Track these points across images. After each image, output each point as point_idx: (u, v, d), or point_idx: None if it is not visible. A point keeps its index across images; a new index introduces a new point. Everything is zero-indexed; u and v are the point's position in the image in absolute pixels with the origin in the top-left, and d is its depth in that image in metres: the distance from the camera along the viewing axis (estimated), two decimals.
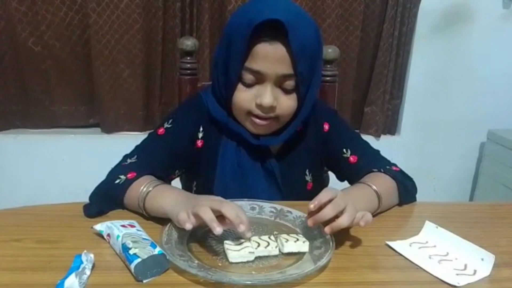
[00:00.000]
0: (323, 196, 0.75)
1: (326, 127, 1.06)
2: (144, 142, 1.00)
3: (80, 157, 1.98)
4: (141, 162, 0.92)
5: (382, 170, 0.97)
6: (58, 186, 1.95)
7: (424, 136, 2.32)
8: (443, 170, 2.39)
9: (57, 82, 1.94)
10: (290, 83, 0.89)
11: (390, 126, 2.30)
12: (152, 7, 1.88)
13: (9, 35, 1.83)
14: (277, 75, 0.87)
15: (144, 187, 0.83)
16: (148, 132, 1.05)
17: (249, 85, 0.90)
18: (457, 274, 0.70)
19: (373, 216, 0.88)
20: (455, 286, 0.67)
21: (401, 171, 1.01)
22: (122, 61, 1.91)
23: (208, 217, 0.69)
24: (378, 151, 1.08)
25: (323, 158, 1.08)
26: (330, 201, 0.75)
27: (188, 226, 0.70)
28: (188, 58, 1.19)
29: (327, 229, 0.74)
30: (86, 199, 0.88)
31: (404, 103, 2.27)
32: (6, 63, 1.86)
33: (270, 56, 0.86)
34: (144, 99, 2.00)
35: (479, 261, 0.73)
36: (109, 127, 2.01)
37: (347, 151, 1.03)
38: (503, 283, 0.70)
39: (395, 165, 1.03)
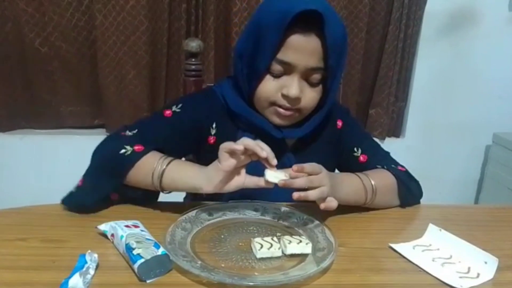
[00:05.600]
0: (307, 166, 0.78)
1: (339, 124, 1.06)
2: (147, 119, 0.98)
3: (85, 157, 1.98)
4: (144, 137, 0.91)
5: (385, 167, 0.98)
6: (63, 186, 1.95)
7: (429, 138, 2.32)
8: (448, 173, 2.38)
9: (63, 83, 1.96)
10: (316, 77, 0.90)
11: (395, 129, 2.30)
12: (158, 9, 1.89)
13: (16, 36, 1.84)
14: (306, 67, 0.87)
15: (158, 164, 0.83)
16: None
17: (277, 76, 0.90)
18: (460, 277, 0.70)
19: (368, 210, 0.93)
20: None
21: (406, 172, 1.01)
22: (127, 62, 1.92)
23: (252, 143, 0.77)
24: (388, 153, 1.08)
25: (335, 155, 1.07)
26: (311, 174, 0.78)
27: (239, 147, 0.76)
28: (193, 59, 1.19)
29: (294, 194, 0.76)
30: None
31: (409, 106, 2.26)
32: (13, 64, 1.88)
33: (303, 48, 0.86)
34: (149, 100, 2.01)
35: (483, 264, 0.73)
36: (114, 128, 2.01)
37: (357, 150, 1.04)
38: (507, 287, 0.70)
39: (402, 166, 1.03)
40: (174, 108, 0.97)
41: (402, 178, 0.97)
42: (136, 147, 0.86)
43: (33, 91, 1.94)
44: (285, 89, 0.89)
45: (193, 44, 1.17)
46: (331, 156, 1.07)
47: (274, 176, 0.77)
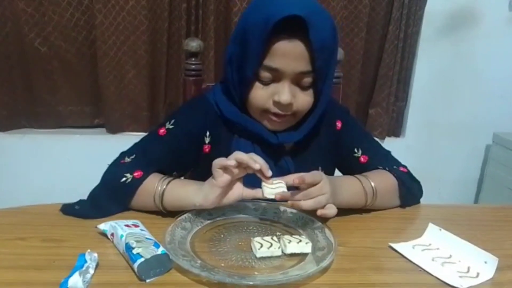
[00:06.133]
0: (308, 178, 0.78)
1: (338, 124, 1.06)
2: (143, 141, 0.98)
3: (85, 157, 1.99)
4: (143, 161, 0.91)
5: (387, 168, 0.98)
6: (63, 185, 1.96)
7: (429, 138, 2.32)
8: (448, 173, 2.38)
9: (63, 82, 1.96)
10: (307, 80, 0.88)
11: (395, 128, 2.30)
12: (158, 8, 1.89)
13: (16, 36, 1.84)
14: (295, 72, 0.86)
15: (158, 185, 0.84)
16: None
17: (266, 83, 0.89)
18: (460, 277, 0.70)
19: (368, 210, 0.93)
20: None
21: (408, 173, 1.01)
22: (127, 62, 1.92)
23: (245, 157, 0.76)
24: (389, 152, 1.07)
25: (334, 156, 1.07)
26: (312, 185, 0.79)
27: (231, 163, 0.76)
28: (193, 59, 1.19)
29: (289, 202, 0.78)
30: None
31: (409, 105, 2.26)
32: (12, 63, 1.88)
33: (289, 54, 0.84)
34: (149, 100, 2.01)
35: (482, 264, 0.73)
36: (114, 128, 2.02)
37: (358, 150, 1.03)
38: (506, 286, 0.70)
39: (404, 166, 1.03)
40: (167, 126, 0.97)
41: (403, 180, 0.96)
42: (135, 174, 0.86)
43: (33, 90, 1.94)
44: (277, 96, 0.88)
45: (193, 44, 1.17)
46: (330, 157, 1.06)
47: (271, 192, 0.77)
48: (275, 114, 0.91)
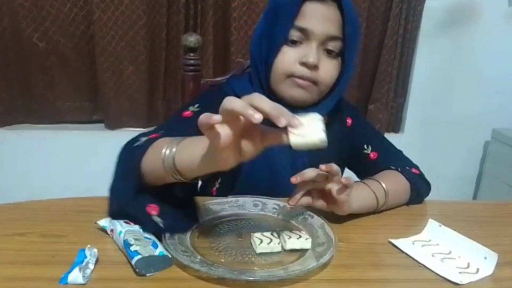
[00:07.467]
0: (335, 166, 0.78)
1: (349, 121, 1.06)
2: (166, 123, 0.93)
3: (83, 153, 1.99)
4: (166, 135, 0.76)
5: (399, 169, 0.96)
6: (61, 181, 1.96)
7: (428, 134, 2.32)
8: (447, 169, 2.38)
9: (61, 78, 1.95)
10: (335, 45, 0.90)
11: (394, 124, 2.30)
12: (156, 3, 1.88)
13: (13, 31, 1.83)
14: (325, 34, 0.88)
15: (168, 146, 0.66)
16: (151, 128, 1.02)
17: (294, 46, 0.90)
18: (460, 273, 0.70)
19: (376, 213, 0.91)
20: (457, 284, 0.67)
21: (420, 175, 0.99)
22: (126, 57, 1.91)
23: (239, 104, 0.54)
24: (400, 151, 1.07)
25: (345, 154, 1.06)
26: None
27: (216, 120, 0.54)
28: (192, 54, 1.19)
29: (292, 179, 0.77)
30: (89, 194, 0.88)
31: (408, 101, 2.26)
32: (10, 59, 1.87)
33: (320, 14, 0.87)
34: (147, 95, 2.01)
35: (482, 260, 0.73)
36: (113, 123, 2.01)
37: (368, 147, 1.04)
38: (506, 282, 0.70)
39: (416, 166, 1.02)
40: (192, 108, 0.93)
41: (414, 182, 0.95)
42: (151, 136, 0.75)
43: (31, 86, 1.94)
44: (304, 58, 0.89)
45: (192, 39, 1.16)
46: (341, 154, 1.05)
47: (299, 142, 0.58)
48: (300, 78, 0.91)
